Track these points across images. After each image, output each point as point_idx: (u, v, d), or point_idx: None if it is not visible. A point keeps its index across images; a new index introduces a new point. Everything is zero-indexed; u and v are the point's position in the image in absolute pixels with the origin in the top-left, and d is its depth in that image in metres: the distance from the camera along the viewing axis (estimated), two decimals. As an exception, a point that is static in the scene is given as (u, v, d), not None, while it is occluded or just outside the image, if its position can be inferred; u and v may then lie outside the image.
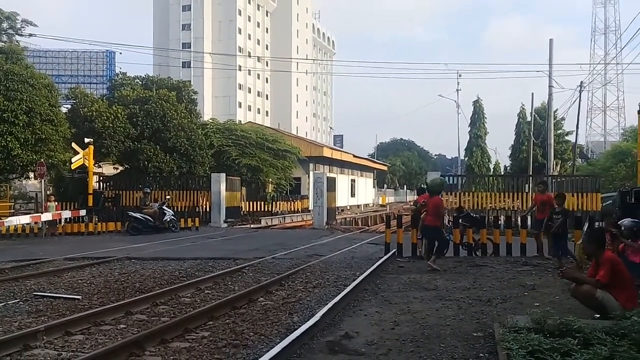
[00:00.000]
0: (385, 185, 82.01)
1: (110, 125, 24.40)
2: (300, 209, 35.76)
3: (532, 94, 41.92)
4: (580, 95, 31.49)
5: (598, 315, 6.30)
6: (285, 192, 35.92)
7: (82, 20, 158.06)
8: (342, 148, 68.11)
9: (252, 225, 26.42)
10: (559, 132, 43.89)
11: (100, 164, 26.60)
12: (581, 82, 31.69)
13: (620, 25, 76.97)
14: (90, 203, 21.63)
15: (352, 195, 52.80)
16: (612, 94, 79.38)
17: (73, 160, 21.22)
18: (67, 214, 20.44)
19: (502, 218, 17.69)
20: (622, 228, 8.68)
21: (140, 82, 30.00)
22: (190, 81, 35.98)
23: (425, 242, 11.97)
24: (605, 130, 79.03)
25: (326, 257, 13.33)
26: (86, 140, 21.53)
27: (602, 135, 78.14)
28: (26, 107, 20.10)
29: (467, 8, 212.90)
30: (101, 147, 23.96)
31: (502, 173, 50.41)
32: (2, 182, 24.27)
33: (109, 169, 28.77)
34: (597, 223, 14.07)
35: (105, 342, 6.17)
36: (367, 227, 30.70)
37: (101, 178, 26.11)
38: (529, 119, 43.25)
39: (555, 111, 34.18)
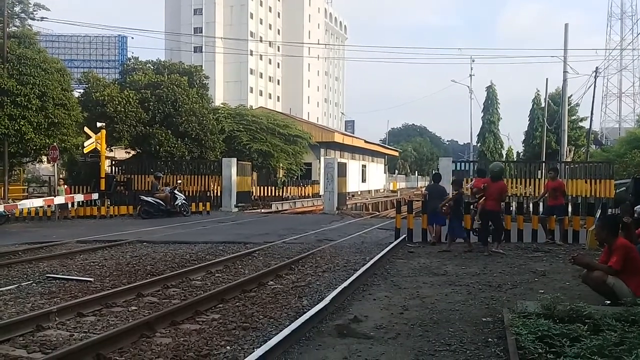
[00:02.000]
0: (396, 171, 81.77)
1: (122, 109, 24.49)
2: (311, 194, 35.82)
3: (547, 79, 41.70)
4: (595, 81, 31.14)
5: (609, 302, 6.27)
6: (296, 177, 35.97)
7: (94, 4, 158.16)
8: (353, 133, 67.93)
9: (262, 210, 26.50)
10: (573, 118, 43.39)
11: (112, 148, 26.75)
12: (596, 68, 31.39)
13: (637, 10, 75.61)
14: (103, 187, 21.78)
15: (363, 180, 52.76)
16: (628, 80, 78.38)
17: (85, 144, 21.33)
18: (79, 197, 20.62)
19: (513, 204, 17.62)
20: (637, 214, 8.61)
21: (152, 67, 30.01)
22: (201, 66, 35.92)
23: (476, 226, 12.12)
24: (620, 116, 77.96)
25: (336, 241, 13.35)
26: (98, 124, 21.62)
27: (617, 121, 77.06)
28: (39, 91, 20.20)
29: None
30: (113, 131, 24.07)
31: (515, 159, 50.03)
32: (15, 165, 24.51)
33: (120, 154, 28.93)
34: (610, 210, 13.97)
35: (116, 324, 6.25)
36: (378, 213, 30.70)
37: (113, 162, 26.26)
38: (543, 104, 42.79)
39: (569, 97, 33.85)
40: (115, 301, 7.20)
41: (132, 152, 27.80)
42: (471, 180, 15.73)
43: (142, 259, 10.77)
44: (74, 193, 21.56)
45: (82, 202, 20.84)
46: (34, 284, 8.45)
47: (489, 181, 11.57)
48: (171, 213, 20.70)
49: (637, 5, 77.85)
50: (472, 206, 13.37)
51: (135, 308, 7.00)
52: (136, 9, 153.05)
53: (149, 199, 20.66)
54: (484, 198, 11.46)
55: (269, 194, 31.25)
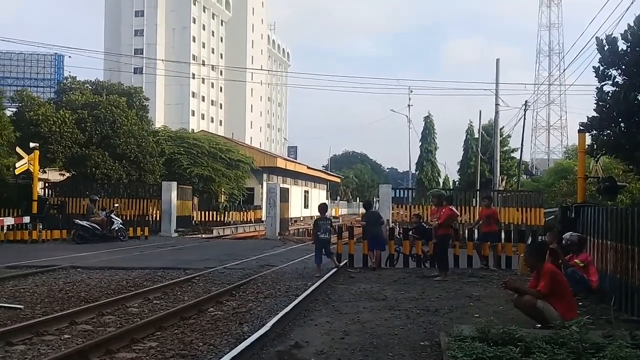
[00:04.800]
0: (338, 197, 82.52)
1: (57, 130, 23.71)
2: (253, 220, 35.55)
3: (480, 111, 43.46)
4: (525, 114, 32.66)
5: (539, 325, 6.57)
6: (238, 202, 35.68)
7: (31, 20, 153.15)
8: (296, 159, 68.24)
9: (203, 235, 26.08)
10: (505, 148, 45.35)
11: (45, 169, 25.76)
12: (526, 102, 32.87)
13: (564, 48, 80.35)
14: (35, 210, 20.87)
15: (306, 206, 52.92)
16: (556, 113, 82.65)
17: (17, 165, 20.43)
18: (9, 220, 19.65)
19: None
20: (568, 241, 9.07)
21: (90, 87, 29.29)
22: (142, 87, 35.35)
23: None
24: (548, 148, 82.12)
25: (278, 267, 13.32)
26: (31, 144, 20.81)
27: (546, 152, 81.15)
28: (-32, 109, 19.33)
29: (422, 28, 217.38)
30: (47, 152, 23.23)
31: (451, 187, 51.57)
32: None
33: (54, 175, 27.88)
34: (540, 237, 14.63)
35: (47, 353, 5.99)
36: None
37: (47, 184, 25.27)
38: (476, 135, 44.56)
39: (501, 128, 35.38)
40: (47, 329, 6.90)
41: (67, 174, 26.87)
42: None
43: (76, 285, 10.37)
44: (4, 216, 20.53)
45: (13, 225, 19.86)
46: (-42, 312, 8.00)
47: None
48: (107, 238, 20.04)
49: (563, 44, 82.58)
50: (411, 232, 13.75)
51: (69, 336, 6.74)
52: (75, 27, 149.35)
53: (84, 223, 19.96)
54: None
55: (210, 219, 30.80)
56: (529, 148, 78.46)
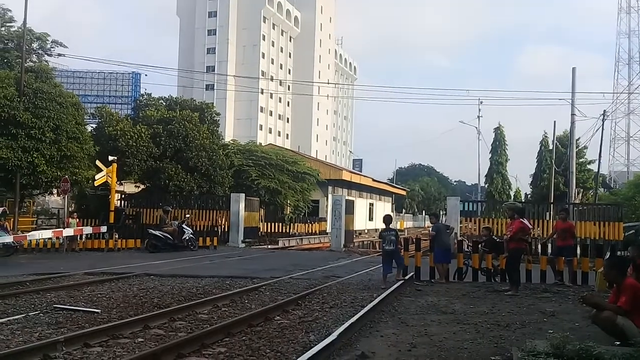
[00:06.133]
0: (403, 210, 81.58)
1: (134, 144, 24.82)
2: (318, 231, 35.73)
3: (555, 122, 41.73)
4: (603, 124, 31.14)
5: (618, 342, 6.20)
6: (303, 214, 35.98)
7: (110, 41, 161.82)
8: (361, 172, 68.11)
9: (269, 246, 26.47)
10: (581, 160, 43.35)
11: (122, 182, 27.03)
12: (604, 111, 31.34)
13: (645, 56, 75.85)
14: (111, 220, 21.89)
15: (370, 219, 52.62)
16: (636, 124, 77.98)
17: (96, 177, 21.54)
18: (88, 230, 20.71)
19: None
20: None
21: (165, 103, 30.56)
22: (213, 103, 36.51)
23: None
24: (628, 160, 77.59)
25: (343, 278, 13.29)
26: (110, 158, 21.88)
27: (626, 165, 76.75)
28: (53, 125, 20.54)
29: (496, 39, 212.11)
30: (124, 165, 24.35)
31: (523, 200, 49.80)
32: (26, 197, 24.71)
33: (130, 187, 29.19)
34: (619, 252, 13.88)
35: (122, 355, 6.24)
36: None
37: (122, 196, 26.45)
38: (551, 147, 42.90)
39: (577, 140, 33.88)
40: (122, 332, 7.20)
41: (142, 186, 28.01)
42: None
43: (149, 292, 10.77)
44: (83, 226, 21.67)
45: (90, 234, 20.93)
46: (41, 314, 8.47)
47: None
48: (178, 247, 20.72)
49: (644, 51, 77.94)
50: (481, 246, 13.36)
51: (142, 340, 6.98)
52: (151, 47, 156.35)
53: (157, 232, 20.74)
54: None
55: (276, 230, 31.23)
56: (607, 160, 74.39)
